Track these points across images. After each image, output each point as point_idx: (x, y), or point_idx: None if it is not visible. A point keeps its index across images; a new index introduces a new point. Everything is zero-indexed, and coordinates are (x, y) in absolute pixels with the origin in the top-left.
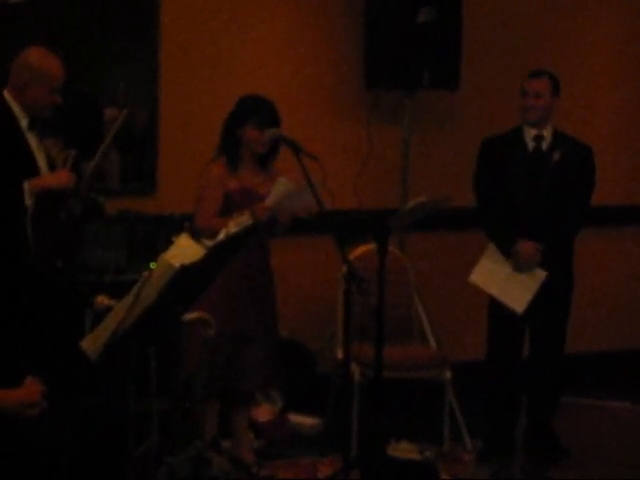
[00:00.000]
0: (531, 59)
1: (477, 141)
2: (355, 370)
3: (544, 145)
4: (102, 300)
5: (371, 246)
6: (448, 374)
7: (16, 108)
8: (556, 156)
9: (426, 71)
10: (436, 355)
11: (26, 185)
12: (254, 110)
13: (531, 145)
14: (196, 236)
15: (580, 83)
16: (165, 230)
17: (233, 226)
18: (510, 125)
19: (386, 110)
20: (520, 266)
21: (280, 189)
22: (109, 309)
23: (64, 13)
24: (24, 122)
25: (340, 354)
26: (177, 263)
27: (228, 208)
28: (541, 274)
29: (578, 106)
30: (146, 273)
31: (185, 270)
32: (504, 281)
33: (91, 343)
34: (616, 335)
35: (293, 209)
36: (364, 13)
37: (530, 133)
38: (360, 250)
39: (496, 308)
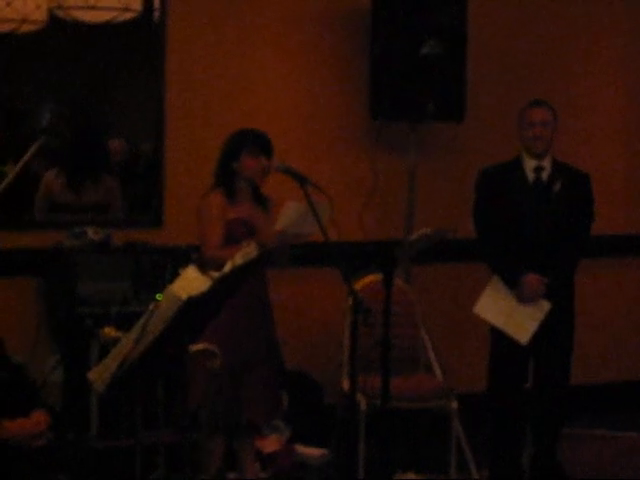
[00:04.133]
0: (536, 90)
1: None
2: (361, 401)
3: (544, 176)
4: (109, 331)
5: (377, 277)
6: (454, 404)
7: None
8: (557, 186)
9: (431, 102)
10: (442, 385)
11: None
12: (247, 140)
13: (531, 176)
14: (203, 267)
15: (584, 113)
16: (171, 261)
17: (239, 257)
18: (516, 155)
19: (391, 141)
20: (525, 298)
21: (289, 212)
22: (116, 340)
23: (71, 45)
24: None
25: (346, 385)
26: (184, 295)
27: (226, 239)
28: (545, 305)
29: (579, 136)
30: (153, 305)
31: (192, 302)
32: (508, 312)
33: (98, 375)
34: (621, 365)
35: (301, 232)
36: (369, 45)
37: (530, 164)
38: (366, 281)
39: (497, 339)
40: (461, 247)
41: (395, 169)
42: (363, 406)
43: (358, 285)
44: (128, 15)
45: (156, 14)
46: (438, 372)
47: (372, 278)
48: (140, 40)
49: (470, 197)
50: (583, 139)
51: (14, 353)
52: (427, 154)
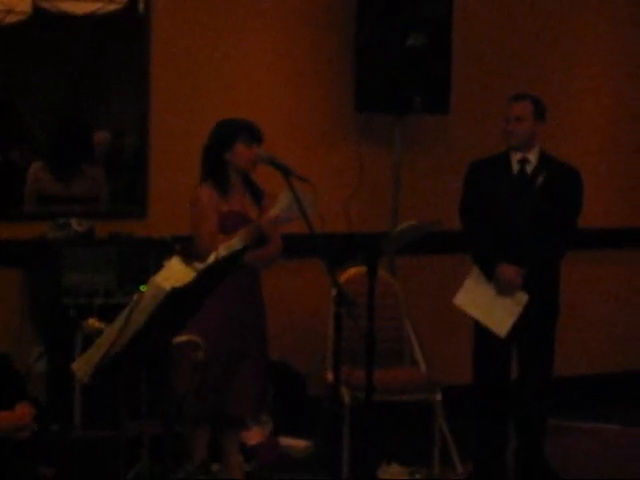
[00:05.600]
0: (521, 82)
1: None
2: (345, 393)
3: (529, 168)
4: (92, 323)
5: (361, 269)
6: (438, 397)
7: None
8: (540, 179)
9: (417, 95)
10: (426, 378)
11: None
12: (241, 130)
13: (516, 169)
14: (189, 258)
15: (569, 106)
16: (155, 253)
17: (223, 249)
18: (501, 148)
19: (377, 134)
20: (502, 289)
21: (286, 200)
22: (99, 332)
23: (55, 36)
24: None
25: (330, 377)
26: (168, 286)
27: (220, 232)
28: (523, 297)
29: (566, 129)
30: (137, 296)
31: (175, 293)
32: (487, 304)
33: (82, 366)
34: (604, 358)
35: (293, 217)
36: (354, 37)
37: (515, 157)
38: (350, 273)
39: (480, 332)
40: (446, 239)
41: (381, 161)
42: (347, 398)
43: (342, 277)
44: (113, 6)
45: (141, 6)
46: (422, 365)
47: (356, 270)
48: (125, 31)
49: (456, 189)
50: (568, 133)
51: None
52: (413, 146)
